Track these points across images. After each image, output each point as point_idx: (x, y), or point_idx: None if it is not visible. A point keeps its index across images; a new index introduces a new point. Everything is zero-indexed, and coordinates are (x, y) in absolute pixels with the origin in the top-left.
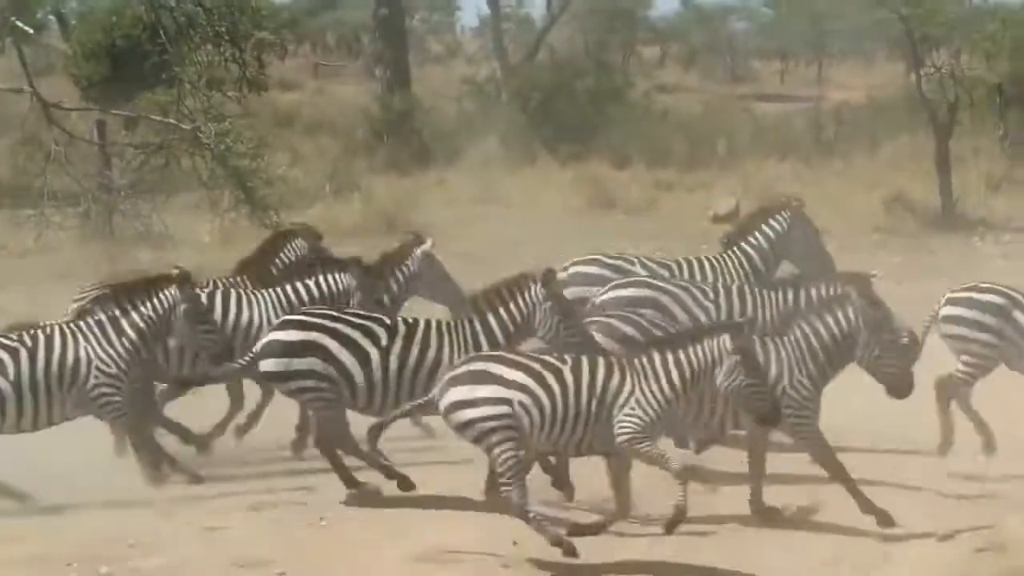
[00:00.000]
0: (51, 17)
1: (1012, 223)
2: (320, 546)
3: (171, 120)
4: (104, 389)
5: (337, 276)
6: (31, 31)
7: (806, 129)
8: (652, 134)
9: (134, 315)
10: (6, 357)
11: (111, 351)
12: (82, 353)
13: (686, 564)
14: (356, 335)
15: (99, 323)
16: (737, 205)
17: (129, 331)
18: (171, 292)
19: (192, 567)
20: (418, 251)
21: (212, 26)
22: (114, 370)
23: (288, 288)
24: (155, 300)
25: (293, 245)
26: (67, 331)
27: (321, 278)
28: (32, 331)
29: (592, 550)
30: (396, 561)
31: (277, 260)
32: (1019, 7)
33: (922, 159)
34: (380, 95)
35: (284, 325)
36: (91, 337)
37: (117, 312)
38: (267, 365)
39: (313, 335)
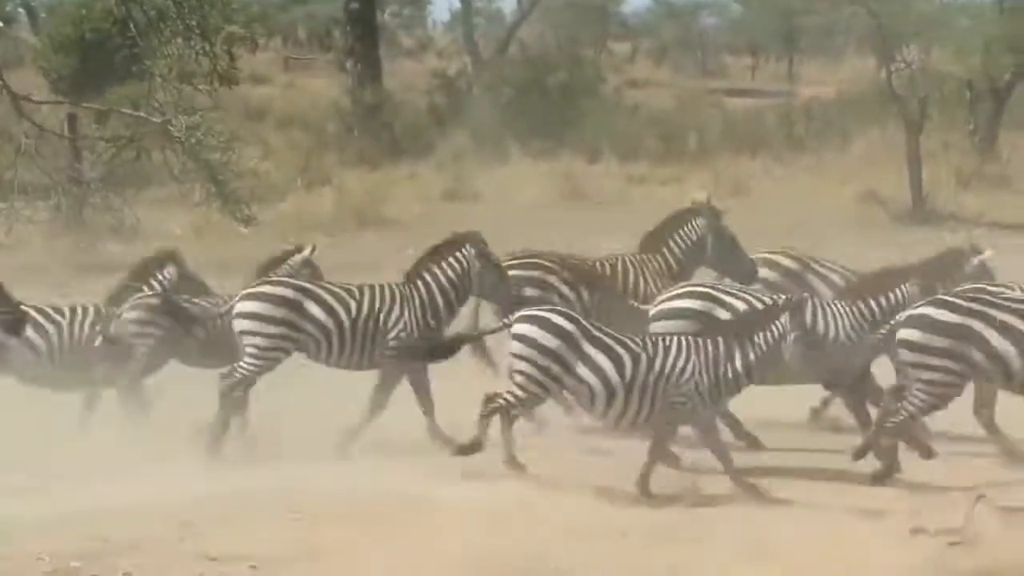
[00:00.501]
0: (20, 10)
1: (983, 218)
2: (293, 541)
3: (142, 113)
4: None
5: (903, 289)
6: (0, 24)
7: (777, 124)
8: (624, 129)
9: (748, 346)
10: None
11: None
12: (688, 365)
13: None
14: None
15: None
16: (709, 200)
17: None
18: (783, 321)
19: (164, 561)
20: (975, 259)
21: (182, 20)
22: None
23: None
24: (770, 329)
25: (694, 224)
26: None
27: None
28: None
29: None
30: (376, 560)
31: (675, 238)
32: (988, 3)
33: (893, 154)
34: (351, 89)
35: (938, 303)
36: (702, 353)
37: (733, 341)
38: (910, 335)
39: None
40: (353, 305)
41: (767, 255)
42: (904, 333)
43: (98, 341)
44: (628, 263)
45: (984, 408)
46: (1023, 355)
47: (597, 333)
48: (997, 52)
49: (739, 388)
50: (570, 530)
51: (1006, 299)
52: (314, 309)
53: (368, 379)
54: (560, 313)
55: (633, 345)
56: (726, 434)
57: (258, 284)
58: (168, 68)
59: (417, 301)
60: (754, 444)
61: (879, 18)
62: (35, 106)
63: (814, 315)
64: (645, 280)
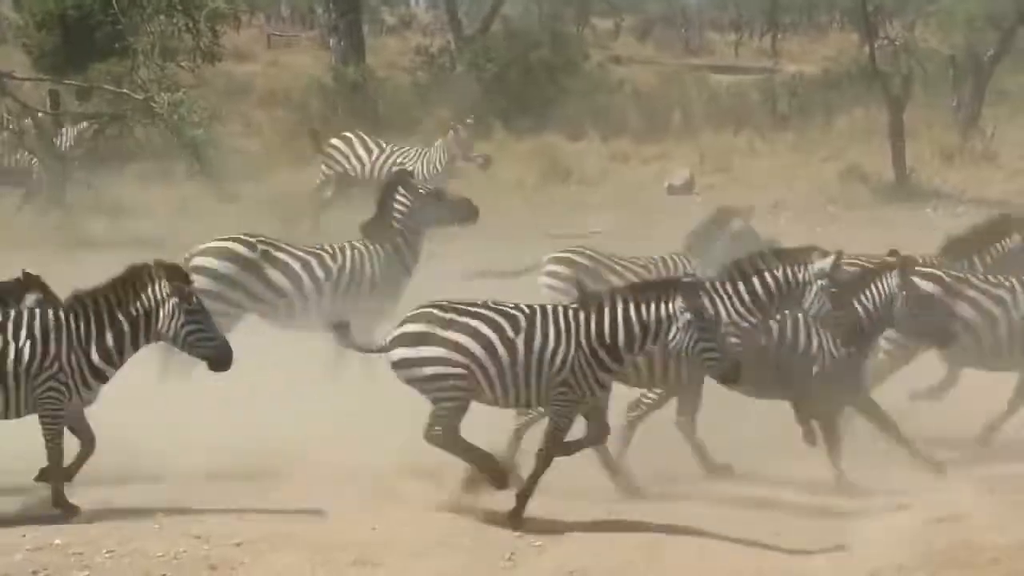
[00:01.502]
0: None
1: (965, 195)
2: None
3: (124, 90)
4: None
5: None
6: None
7: (761, 101)
8: (607, 105)
9: None
10: None
11: None
12: None
13: None
14: None
15: None
16: (692, 176)
17: None
18: None
19: (148, 539)
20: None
21: None
22: None
23: None
24: None
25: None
26: None
27: None
28: None
29: None
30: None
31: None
32: None
33: (876, 131)
34: (334, 66)
35: None
36: None
37: None
38: None
39: None
40: None
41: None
42: None
43: None
44: None
45: None
46: None
47: None
48: (980, 28)
49: None
50: None
51: None
52: None
53: None
54: None
55: None
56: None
57: None
58: (150, 45)
59: None
60: None
61: None
62: (17, 83)
63: None
64: None
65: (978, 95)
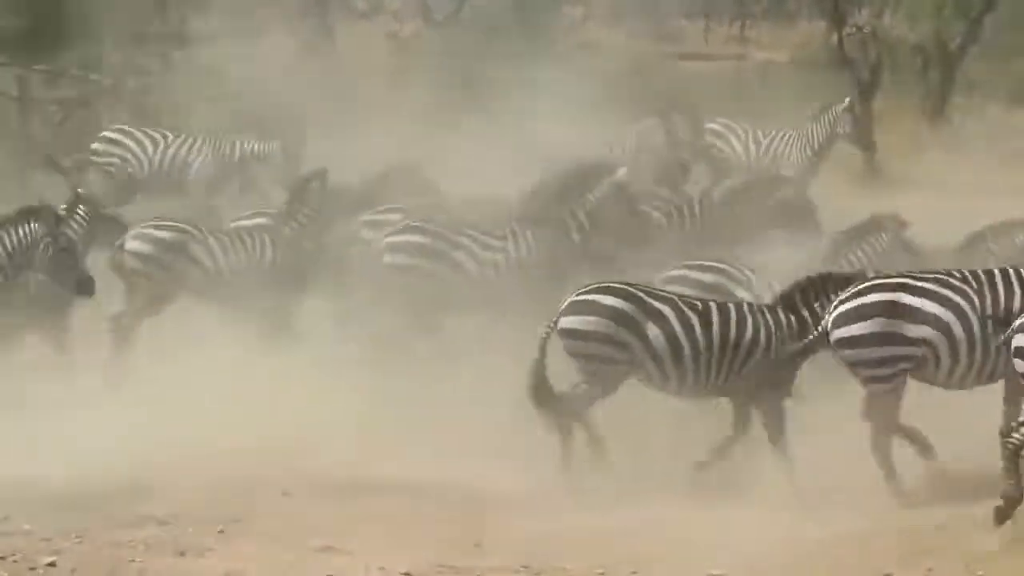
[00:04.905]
0: None
1: (934, 182)
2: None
3: (94, 76)
4: None
5: None
6: None
7: (730, 89)
8: (576, 92)
9: None
10: None
11: None
12: None
13: None
14: None
15: None
16: None
17: None
18: None
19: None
20: None
21: None
22: None
23: None
24: None
25: None
26: None
27: None
28: None
29: None
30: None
31: None
32: None
33: None
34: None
35: None
36: None
37: None
38: None
39: None
40: None
41: None
42: None
43: None
44: None
45: None
46: None
47: None
48: (948, 17)
49: None
50: None
51: None
52: None
53: None
54: None
55: None
56: None
57: None
58: (119, 30)
59: None
60: None
61: None
62: None
63: None
64: None
65: (946, 83)
